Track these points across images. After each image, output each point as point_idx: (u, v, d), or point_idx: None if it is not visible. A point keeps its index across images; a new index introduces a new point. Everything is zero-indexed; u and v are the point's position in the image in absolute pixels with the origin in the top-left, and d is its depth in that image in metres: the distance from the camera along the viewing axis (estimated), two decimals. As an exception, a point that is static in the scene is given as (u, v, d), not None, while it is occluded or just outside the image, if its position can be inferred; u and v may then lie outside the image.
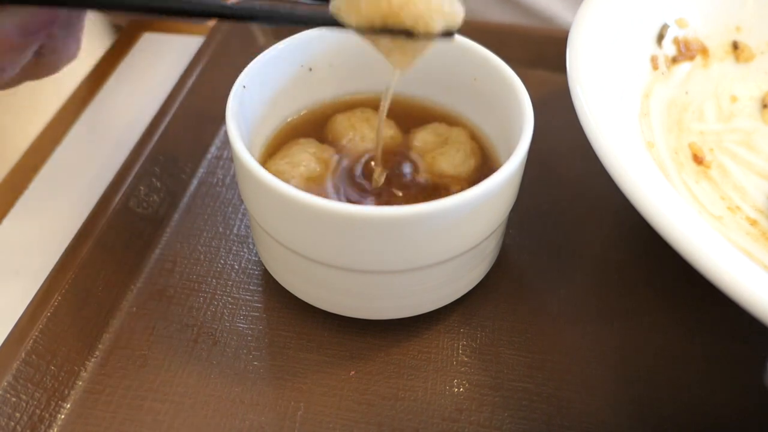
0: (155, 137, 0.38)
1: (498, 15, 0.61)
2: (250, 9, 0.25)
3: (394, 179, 0.32)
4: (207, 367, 0.31)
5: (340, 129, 0.34)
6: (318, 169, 0.32)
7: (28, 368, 0.28)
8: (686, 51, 0.39)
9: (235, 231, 0.37)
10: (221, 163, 0.40)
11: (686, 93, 0.39)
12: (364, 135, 0.34)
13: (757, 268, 0.24)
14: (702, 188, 0.35)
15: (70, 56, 0.28)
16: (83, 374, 0.30)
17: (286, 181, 0.29)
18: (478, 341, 0.32)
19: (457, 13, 0.26)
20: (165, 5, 0.24)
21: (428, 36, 0.26)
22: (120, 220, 0.34)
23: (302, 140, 0.33)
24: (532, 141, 0.29)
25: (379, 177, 0.32)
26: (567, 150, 0.41)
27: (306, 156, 0.32)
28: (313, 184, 0.32)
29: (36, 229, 0.38)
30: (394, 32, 0.26)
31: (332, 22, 0.26)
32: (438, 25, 0.25)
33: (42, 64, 0.27)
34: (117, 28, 0.59)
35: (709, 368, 0.31)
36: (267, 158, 0.33)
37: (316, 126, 0.35)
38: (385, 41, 0.26)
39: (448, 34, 0.26)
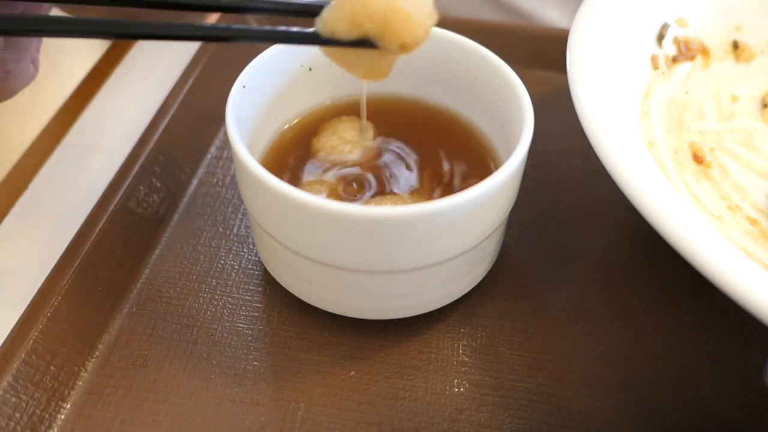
0: (155, 137, 0.38)
1: (485, 14, 0.59)
2: (232, 29, 0.26)
3: (390, 178, 0.33)
4: (207, 367, 0.31)
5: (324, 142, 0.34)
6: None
7: (28, 368, 0.28)
8: (686, 51, 0.39)
9: (235, 231, 0.37)
10: (221, 163, 0.40)
11: (686, 93, 0.39)
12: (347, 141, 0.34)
13: (757, 268, 0.24)
14: (702, 188, 0.35)
15: (28, 79, 0.27)
16: (83, 374, 0.30)
17: None
18: (478, 341, 0.32)
19: (432, 23, 0.26)
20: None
21: (404, 48, 0.25)
22: (120, 220, 0.34)
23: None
24: (532, 141, 0.29)
25: (367, 131, 0.33)
26: (567, 150, 0.41)
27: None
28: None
29: (36, 229, 0.38)
30: (366, 44, 0.26)
31: (312, 39, 0.26)
32: (424, 36, 0.25)
33: None
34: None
35: (709, 368, 0.31)
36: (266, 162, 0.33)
37: (315, 127, 0.35)
38: (355, 56, 0.26)
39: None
